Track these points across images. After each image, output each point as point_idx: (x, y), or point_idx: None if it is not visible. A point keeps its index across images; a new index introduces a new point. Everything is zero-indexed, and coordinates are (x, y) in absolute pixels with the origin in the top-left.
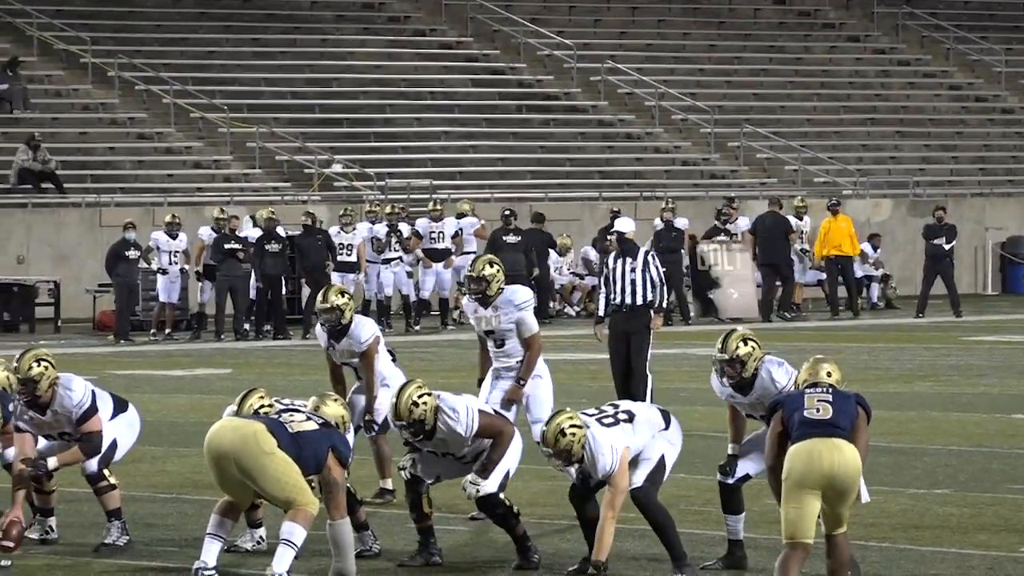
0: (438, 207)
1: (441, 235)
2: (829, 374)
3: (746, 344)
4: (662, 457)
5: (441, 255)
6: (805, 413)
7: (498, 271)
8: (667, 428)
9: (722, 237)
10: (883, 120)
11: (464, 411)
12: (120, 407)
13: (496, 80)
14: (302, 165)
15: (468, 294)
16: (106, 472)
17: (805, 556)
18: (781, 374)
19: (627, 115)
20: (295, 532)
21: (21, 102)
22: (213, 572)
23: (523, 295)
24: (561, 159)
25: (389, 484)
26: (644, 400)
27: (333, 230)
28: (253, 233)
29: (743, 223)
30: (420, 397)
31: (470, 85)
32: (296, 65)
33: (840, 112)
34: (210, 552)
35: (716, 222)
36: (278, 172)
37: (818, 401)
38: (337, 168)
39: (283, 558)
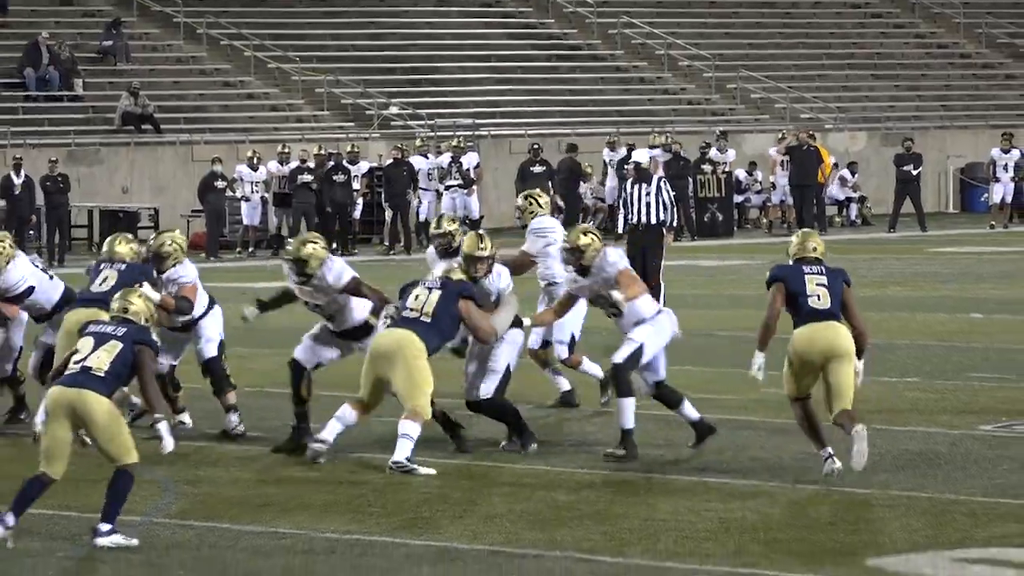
0: (461, 144)
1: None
2: (815, 248)
3: (586, 235)
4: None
5: (466, 183)
6: (809, 302)
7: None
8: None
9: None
10: (859, 64)
11: (340, 266)
12: (211, 303)
13: (528, 34)
14: (363, 108)
15: (563, 262)
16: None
17: (809, 401)
18: (615, 255)
19: (640, 62)
20: (412, 428)
21: (124, 56)
22: (325, 445)
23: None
24: (584, 100)
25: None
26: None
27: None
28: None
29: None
30: (315, 245)
31: (506, 38)
32: (358, 23)
33: (822, 58)
34: (331, 429)
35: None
36: (343, 114)
37: (816, 285)
38: (394, 110)
39: (404, 448)
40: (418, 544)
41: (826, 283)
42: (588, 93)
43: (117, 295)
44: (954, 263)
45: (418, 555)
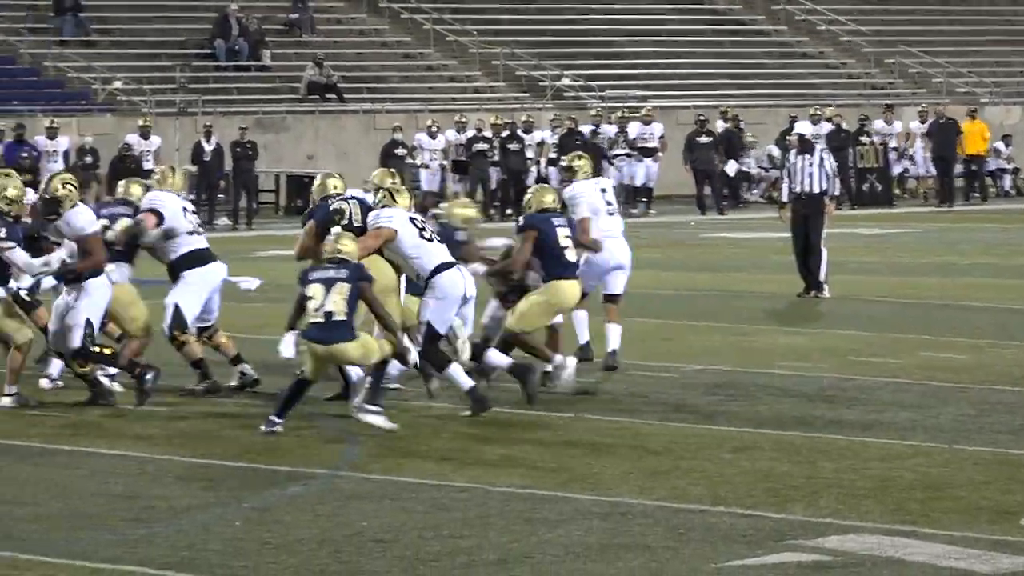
0: (649, 113)
1: (651, 135)
2: (553, 200)
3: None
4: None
5: (650, 152)
6: (566, 255)
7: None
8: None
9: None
10: (1013, 41)
11: (84, 212)
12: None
13: (695, 9)
14: (537, 79)
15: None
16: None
17: None
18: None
19: (802, 37)
20: None
21: (309, 28)
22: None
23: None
24: (748, 73)
25: None
26: (820, 272)
27: (547, 133)
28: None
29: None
30: (66, 186)
31: (675, 13)
32: None
33: (977, 34)
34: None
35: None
36: (518, 85)
37: (564, 237)
38: (566, 81)
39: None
40: (587, 499)
41: (569, 233)
42: (752, 67)
43: (330, 238)
44: None
45: (587, 509)
